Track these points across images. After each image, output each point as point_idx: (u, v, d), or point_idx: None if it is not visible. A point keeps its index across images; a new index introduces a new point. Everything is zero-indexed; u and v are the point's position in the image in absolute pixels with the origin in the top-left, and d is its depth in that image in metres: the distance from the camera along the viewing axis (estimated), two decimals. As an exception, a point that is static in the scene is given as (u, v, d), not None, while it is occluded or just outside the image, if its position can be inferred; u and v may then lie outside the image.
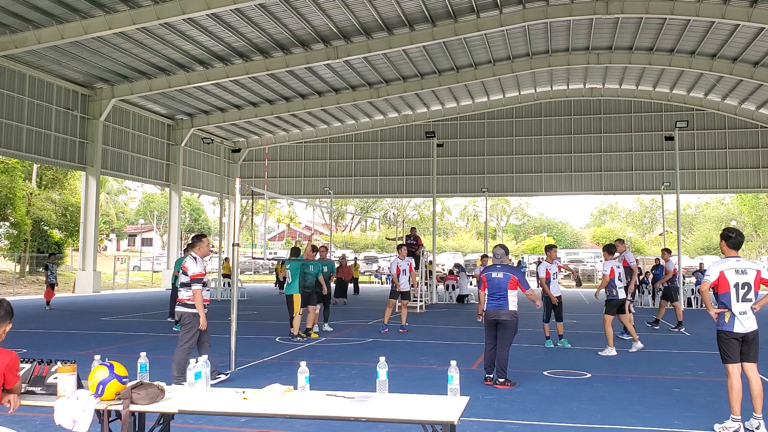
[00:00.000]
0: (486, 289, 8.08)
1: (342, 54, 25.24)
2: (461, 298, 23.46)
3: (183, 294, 7.61)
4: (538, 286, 11.86)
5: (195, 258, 7.64)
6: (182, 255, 14.80)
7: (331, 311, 14.62)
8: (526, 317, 17.75)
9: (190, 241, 8.11)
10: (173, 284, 14.98)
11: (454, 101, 35.18)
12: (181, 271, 7.68)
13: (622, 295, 10.73)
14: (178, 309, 7.66)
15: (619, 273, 10.78)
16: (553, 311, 11.52)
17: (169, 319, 15.45)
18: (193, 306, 7.51)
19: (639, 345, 11.06)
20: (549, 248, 11.80)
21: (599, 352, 10.63)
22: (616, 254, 11.42)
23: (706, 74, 29.05)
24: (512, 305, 7.91)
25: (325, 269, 13.39)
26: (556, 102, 35.44)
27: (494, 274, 8.06)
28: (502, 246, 8.43)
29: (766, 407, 5.93)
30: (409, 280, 13.90)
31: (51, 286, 19.56)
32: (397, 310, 15.24)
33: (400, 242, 17.55)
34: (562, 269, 12.15)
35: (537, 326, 15.29)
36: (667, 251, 15.37)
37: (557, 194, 36.69)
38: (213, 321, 15.66)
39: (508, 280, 7.96)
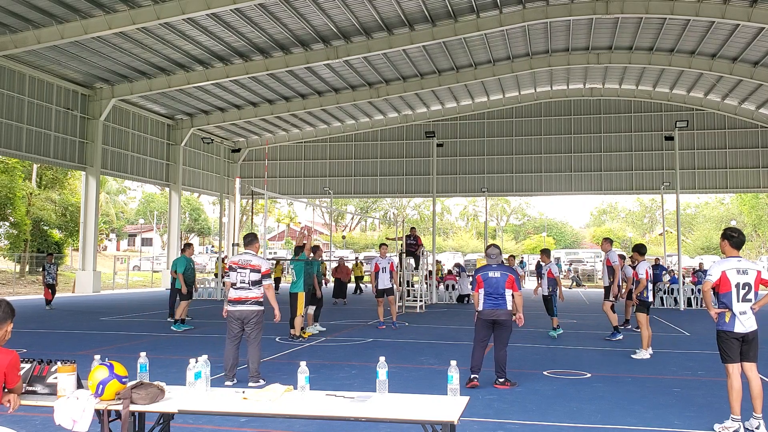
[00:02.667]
0: (481, 289, 7.94)
1: (342, 54, 25.24)
2: (461, 298, 23.46)
3: (256, 291, 7.77)
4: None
5: (259, 256, 7.97)
6: (181, 255, 14.83)
7: (332, 311, 14.64)
8: (526, 317, 17.76)
9: (247, 239, 8.21)
10: (173, 284, 14.95)
11: (454, 101, 35.19)
12: (250, 270, 7.76)
13: (650, 296, 10.89)
14: (251, 308, 7.75)
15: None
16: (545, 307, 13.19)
17: (168, 319, 15.46)
18: (262, 303, 7.81)
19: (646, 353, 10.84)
20: (541, 252, 13.73)
21: (632, 356, 10.40)
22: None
23: (706, 74, 29.06)
24: (509, 305, 7.86)
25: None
26: (556, 102, 35.44)
27: (491, 274, 7.94)
28: (497, 245, 8.40)
29: (765, 407, 5.94)
30: (391, 279, 14.19)
31: (49, 286, 19.47)
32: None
33: (385, 241, 17.71)
34: (552, 276, 13.09)
35: (537, 326, 15.29)
36: (621, 257, 14.24)
37: (557, 194, 36.70)
38: (213, 321, 15.72)
39: (505, 280, 7.88)
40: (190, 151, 35.31)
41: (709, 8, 22.06)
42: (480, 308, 7.94)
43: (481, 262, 17.74)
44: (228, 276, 7.94)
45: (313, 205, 63.32)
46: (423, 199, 56.45)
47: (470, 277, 24.52)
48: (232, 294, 7.80)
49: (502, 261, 8.43)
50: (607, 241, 12.67)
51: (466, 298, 23.35)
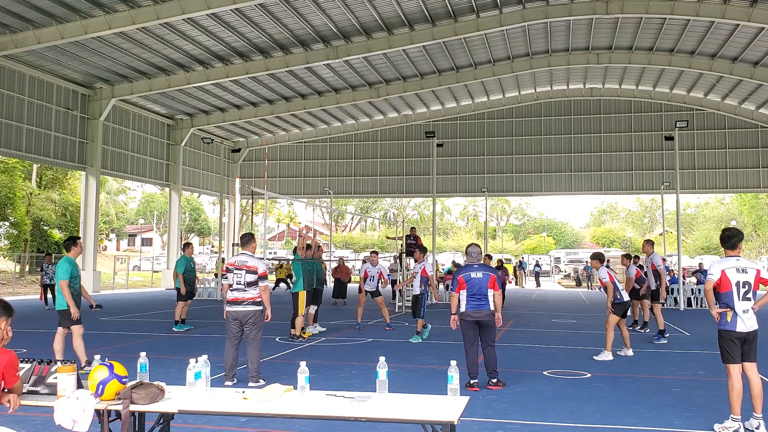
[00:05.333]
0: (463, 291, 7.79)
1: (342, 54, 25.24)
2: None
3: (252, 292, 7.75)
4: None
5: (255, 257, 7.94)
6: (182, 254, 14.82)
7: (332, 311, 14.65)
8: (526, 317, 17.76)
9: (244, 240, 8.16)
10: (192, 283, 14.79)
11: (454, 101, 35.18)
12: (245, 271, 7.74)
13: (626, 297, 10.68)
14: (248, 309, 7.74)
15: (616, 276, 10.81)
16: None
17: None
18: (260, 303, 7.80)
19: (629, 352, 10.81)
20: (417, 248, 13.54)
21: (594, 357, 10.30)
22: (598, 268, 11.11)
23: (706, 74, 29.06)
24: (491, 305, 7.77)
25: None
26: (556, 102, 35.44)
27: (473, 275, 7.79)
28: (477, 244, 8.30)
29: (766, 407, 5.94)
30: (378, 284, 14.35)
31: (48, 286, 19.44)
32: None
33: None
34: (425, 275, 12.72)
35: (537, 326, 15.32)
36: (626, 257, 14.43)
37: (557, 194, 36.70)
38: (214, 321, 15.72)
39: (488, 280, 7.76)
40: (190, 151, 35.31)
41: (709, 8, 22.06)
42: (462, 309, 7.81)
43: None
44: (226, 278, 7.96)
45: (313, 205, 63.32)
46: (423, 199, 56.46)
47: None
48: (229, 295, 7.84)
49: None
50: (650, 244, 11.85)
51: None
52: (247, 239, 8.15)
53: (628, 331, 13.53)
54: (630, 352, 10.64)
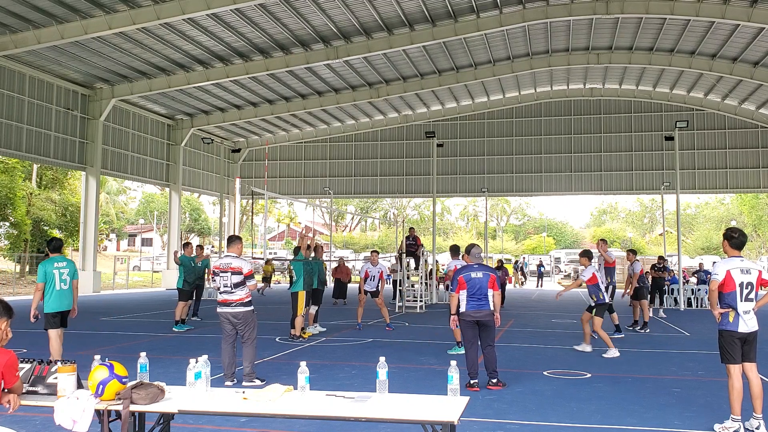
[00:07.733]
0: (463, 291, 7.79)
1: (342, 54, 25.24)
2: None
3: (240, 293, 7.74)
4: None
5: (241, 257, 7.94)
6: (184, 253, 14.84)
7: (332, 311, 14.64)
8: (526, 317, 17.76)
9: (228, 241, 8.14)
10: (192, 282, 14.85)
11: (454, 101, 35.19)
12: (231, 273, 7.72)
13: (607, 299, 10.82)
14: (237, 309, 7.74)
15: (601, 276, 10.94)
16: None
17: (193, 318, 15.67)
18: (249, 303, 7.83)
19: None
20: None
21: (603, 355, 10.41)
22: (587, 265, 10.97)
23: (706, 74, 29.06)
24: (491, 305, 7.79)
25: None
26: (556, 102, 35.45)
27: (474, 275, 7.81)
28: (478, 245, 8.31)
29: (766, 407, 5.94)
30: (378, 284, 14.28)
31: None
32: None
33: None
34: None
35: (536, 326, 15.31)
36: (632, 252, 14.55)
37: (557, 194, 36.70)
38: (214, 321, 15.69)
39: (488, 280, 7.78)
40: (190, 151, 35.30)
41: (709, 8, 22.05)
42: (462, 309, 7.81)
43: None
44: (214, 281, 7.99)
45: (313, 206, 63.32)
46: (423, 199, 56.45)
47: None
48: (219, 297, 7.89)
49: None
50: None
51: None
52: (231, 241, 8.13)
53: (629, 331, 13.68)
54: (588, 348, 10.85)
